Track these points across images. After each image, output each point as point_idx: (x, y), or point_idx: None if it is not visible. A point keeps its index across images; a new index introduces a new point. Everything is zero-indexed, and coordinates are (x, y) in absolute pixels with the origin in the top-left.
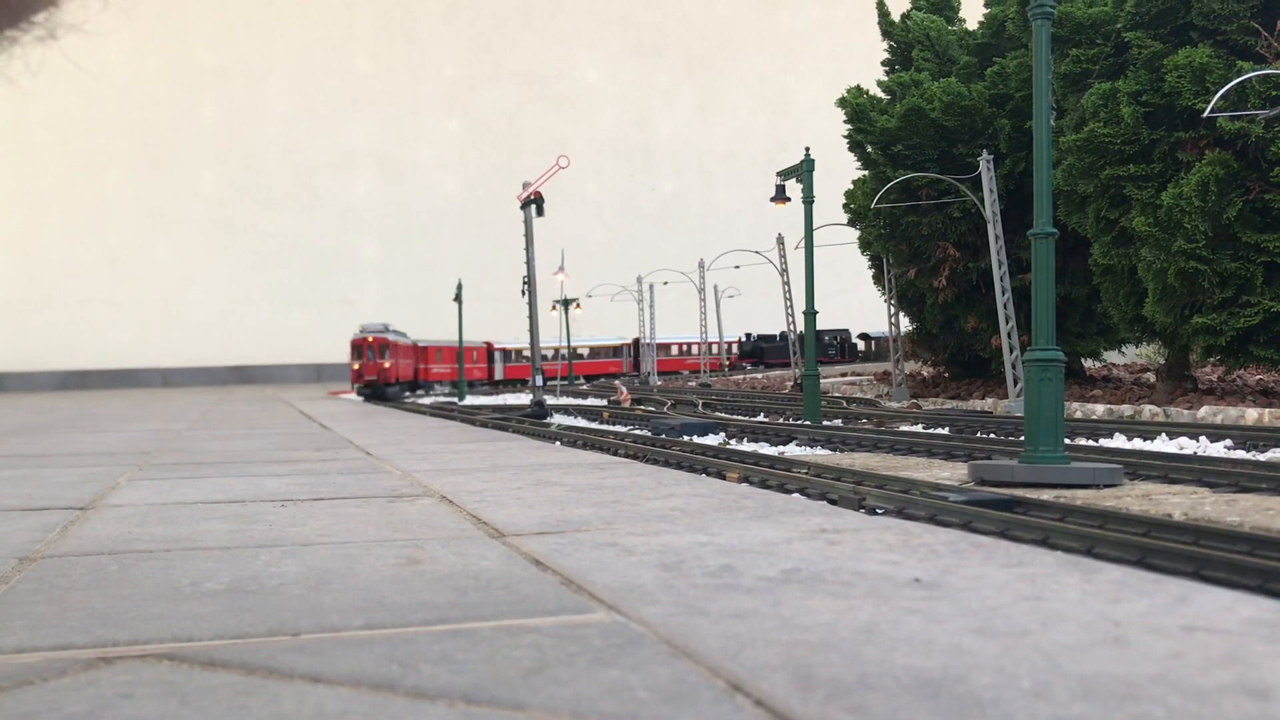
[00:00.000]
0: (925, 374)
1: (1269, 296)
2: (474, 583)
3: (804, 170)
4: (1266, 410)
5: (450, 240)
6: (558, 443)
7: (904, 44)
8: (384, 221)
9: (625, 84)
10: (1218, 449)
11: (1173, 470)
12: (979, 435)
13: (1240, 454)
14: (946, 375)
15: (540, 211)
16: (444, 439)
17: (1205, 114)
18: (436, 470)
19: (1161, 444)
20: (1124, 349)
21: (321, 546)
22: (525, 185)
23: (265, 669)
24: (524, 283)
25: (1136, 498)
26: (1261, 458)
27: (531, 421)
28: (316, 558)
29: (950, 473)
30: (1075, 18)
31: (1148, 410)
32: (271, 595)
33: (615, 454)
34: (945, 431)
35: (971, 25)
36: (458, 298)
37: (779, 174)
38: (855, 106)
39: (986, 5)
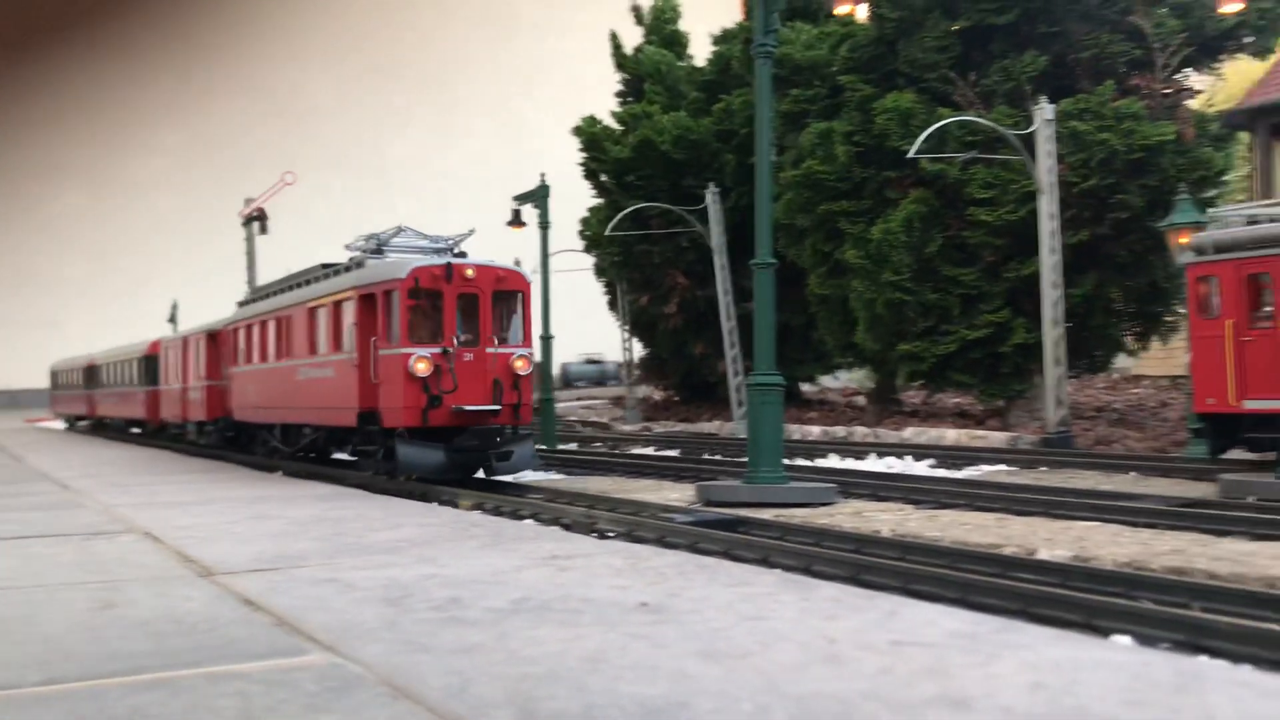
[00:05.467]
0: (656, 398)
1: (965, 325)
2: (176, 627)
3: (539, 196)
4: (964, 431)
5: (167, 259)
6: (279, 473)
7: (637, 77)
8: (92, 239)
9: (358, 103)
10: (921, 467)
11: (881, 488)
12: (706, 457)
13: (941, 472)
14: (677, 399)
15: (264, 229)
16: (155, 469)
17: (909, 155)
18: (142, 504)
19: (872, 463)
20: (837, 374)
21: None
22: (248, 202)
23: None
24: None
25: (849, 515)
26: (959, 475)
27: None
28: None
29: (680, 494)
30: (795, 59)
31: (859, 431)
32: None
33: (343, 484)
34: (675, 453)
35: (700, 62)
36: (173, 319)
37: (515, 199)
38: (590, 136)
39: (714, 43)
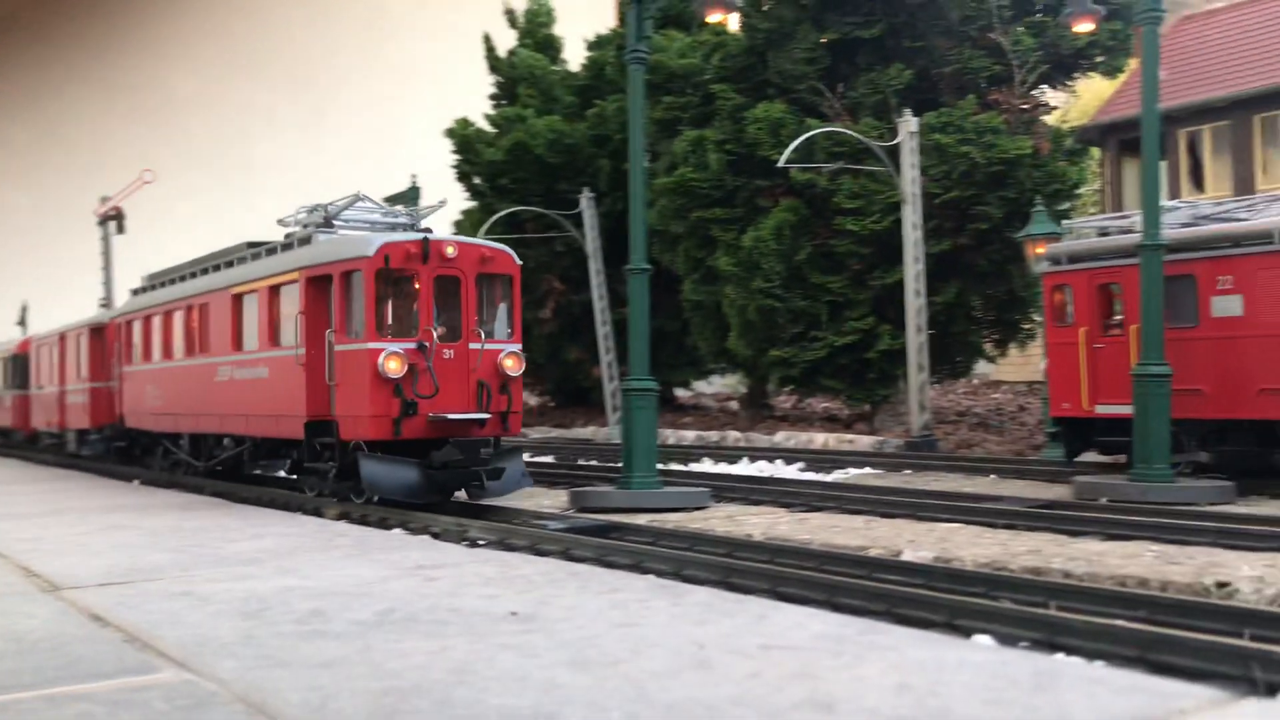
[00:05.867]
0: (532, 403)
1: (833, 332)
2: (15, 646)
3: (410, 198)
4: (832, 435)
5: (16, 259)
6: (136, 482)
7: (510, 80)
8: None
9: (221, 100)
10: (792, 471)
11: (754, 492)
12: (581, 462)
13: (811, 475)
14: (552, 404)
15: (121, 229)
16: (3, 480)
17: (779, 164)
18: None
19: (744, 467)
20: (711, 379)
21: None
22: (104, 200)
23: None
24: (101, 306)
25: (722, 519)
26: (828, 478)
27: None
28: None
29: (554, 500)
30: (668, 67)
31: (732, 436)
32: None
33: (201, 493)
34: (550, 459)
35: (574, 67)
36: (22, 321)
37: (386, 200)
38: (462, 138)
39: (589, 49)
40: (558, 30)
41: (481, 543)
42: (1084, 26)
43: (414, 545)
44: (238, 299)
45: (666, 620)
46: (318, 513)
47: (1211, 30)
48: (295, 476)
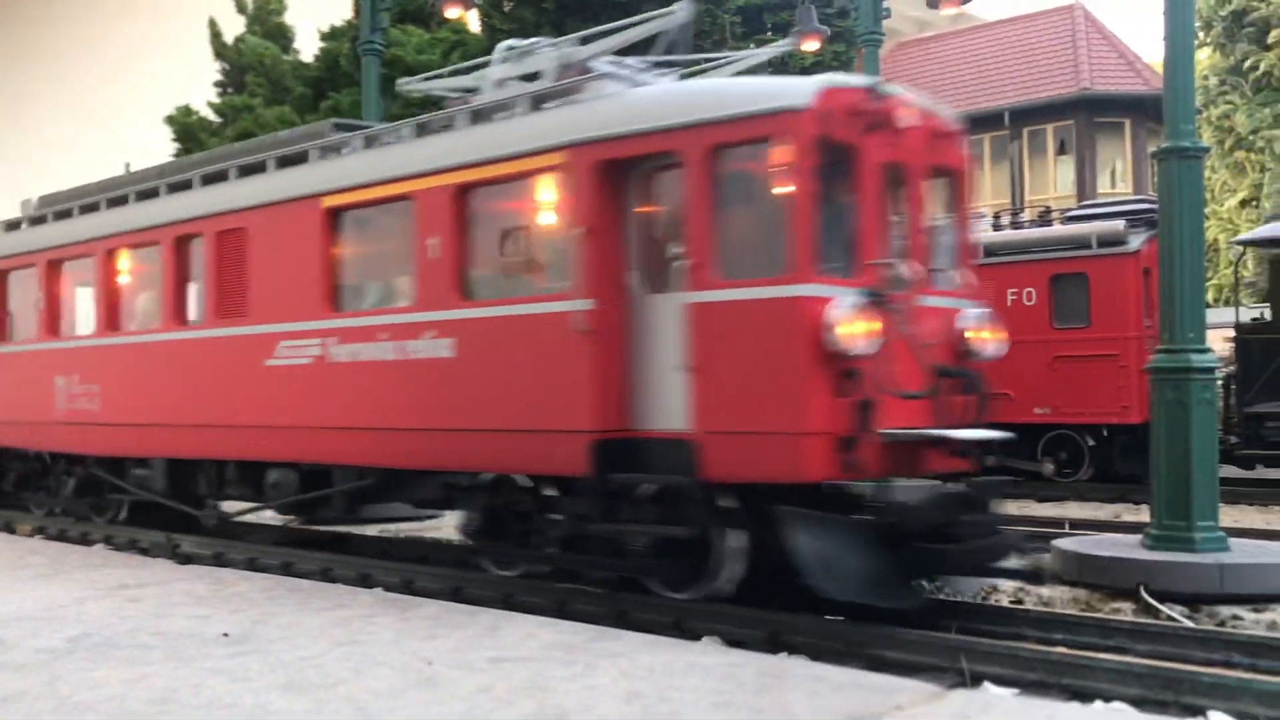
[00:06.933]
0: None
1: None
2: None
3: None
4: None
5: None
6: None
7: (238, 68)
8: None
9: None
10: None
11: None
12: None
13: None
14: None
15: None
16: None
17: None
18: None
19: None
20: None
21: None
22: None
23: None
24: None
25: (455, 526)
26: None
27: None
28: None
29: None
30: (405, 61)
31: None
32: None
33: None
34: None
35: (307, 57)
36: None
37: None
38: (183, 125)
39: (323, 39)
40: (289, 19)
41: (195, 558)
42: (810, 45)
43: (117, 563)
44: (332, 215)
45: (393, 636)
46: (8, 528)
47: (922, 57)
48: (473, 542)
